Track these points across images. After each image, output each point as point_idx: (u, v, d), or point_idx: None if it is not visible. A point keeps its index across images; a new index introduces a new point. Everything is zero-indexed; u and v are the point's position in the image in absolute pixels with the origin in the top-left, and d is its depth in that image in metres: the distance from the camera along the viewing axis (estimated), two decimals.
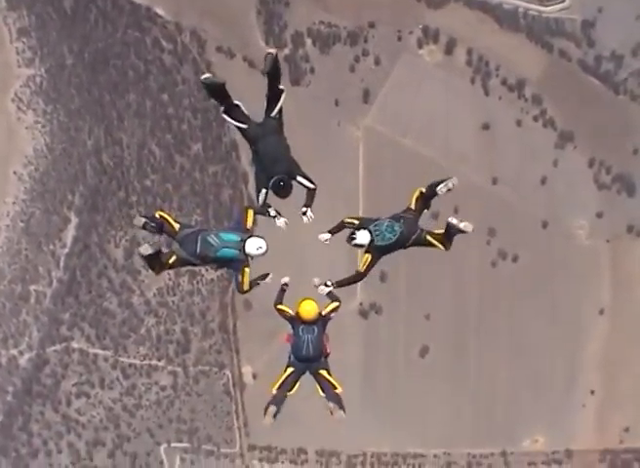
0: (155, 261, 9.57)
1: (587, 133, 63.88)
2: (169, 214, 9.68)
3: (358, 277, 9.56)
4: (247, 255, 9.62)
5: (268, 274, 10.52)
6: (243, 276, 9.74)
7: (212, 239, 9.41)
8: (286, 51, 63.65)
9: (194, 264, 9.68)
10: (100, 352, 62.95)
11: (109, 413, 63.32)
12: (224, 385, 62.83)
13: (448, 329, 62.37)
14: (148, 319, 62.67)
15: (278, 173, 9.38)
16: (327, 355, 9.81)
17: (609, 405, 62.24)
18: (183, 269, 62.53)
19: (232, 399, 62.77)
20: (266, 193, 9.75)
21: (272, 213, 10.02)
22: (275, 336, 62.58)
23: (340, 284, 9.84)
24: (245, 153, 62.76)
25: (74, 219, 63.42)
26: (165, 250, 9.76)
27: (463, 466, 63.06)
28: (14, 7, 66.76)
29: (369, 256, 9.37)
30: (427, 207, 10.26)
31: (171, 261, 9.59)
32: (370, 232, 9.52)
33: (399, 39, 64.09)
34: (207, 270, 63.08)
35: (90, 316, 62.99)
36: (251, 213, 9.84)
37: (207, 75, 9.79)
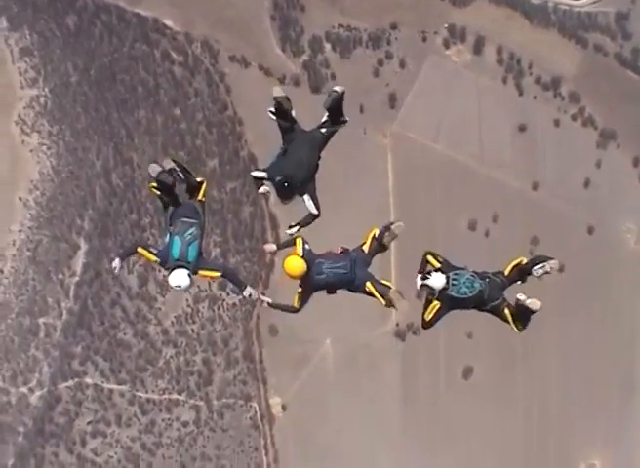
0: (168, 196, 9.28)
1: (630, 130, 60.21)
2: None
3: (424, 324, 8.70)
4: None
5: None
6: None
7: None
8: (304, 57, 60.30)
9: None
10: (115, 387, 58.85)
11: (128, 453, 58.83)
12: (252, 419, 58.59)
13: (492, 347, 57.78)
14: (166, 350, 58.45)
15: (293, 176, 9.07)
16: (347, 249, 8.86)
17: None
18: (202, 295, 58.27)
19: (261, 433, 58.38)
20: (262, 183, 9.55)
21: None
22: (304, 363, 58.19)
23: (425, 325, 8.80)
24: (264, 167, 58.67)
25: (84, 246, 59.46)
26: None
27: None
28: (15, 27, 63.49)
29: (438, 305, 8.57)
30: (522, 280, 9.32)
31: None
32: (447, 278, 8.60)
33: (424, 40, 60.71)
34: (228, 295, 58.78)
35: (103, 348, 58.79)
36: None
37: (279, 93, 9.46)
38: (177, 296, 58.35)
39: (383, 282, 8.81)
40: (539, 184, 59.05)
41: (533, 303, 8.61)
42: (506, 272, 9.15)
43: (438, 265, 8.95)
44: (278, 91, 9.53)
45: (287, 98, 9.43)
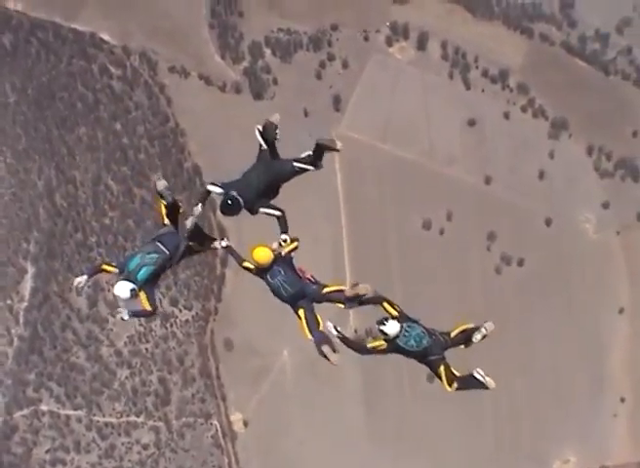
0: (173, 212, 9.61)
1: (581, 119, 59.21)
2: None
3: (362, 350, 9.21)
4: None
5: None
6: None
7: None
8: (245, 63, 59.13)
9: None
10: (71, 413, 57.14)
11: None
12: (213, 437, 56.84)
13: (454, 349, 55.92)
14: (121, 371, 56.82)
15: (237, 197, 9.18)
16: (313, 281, 9.24)
17: None
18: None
19: (223, 451, 56.72)
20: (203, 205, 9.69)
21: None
22: (263, 376, 56.58)
23: (344, 341, 9.13)
24: (210, 177, 57.09)
25: (31, 269, 57.84)
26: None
27: None
28: None
29: (383, 345, 9.00)
30: (465, 345, 9.41)
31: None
32: (401, 328, 8.92)
33: (366, 39, 59.71)
34: (180, 311, 57.15)
35: (57, 374, 57.15)
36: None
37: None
38: None
39: (319, 319, 9.08)
40: (492, 178, 57.89)
41: (489, 383, 8.99)
42: (452, 334, 9.46)
43: (396, 314, 9.21)
44: (276, 118, 9.54)
45: (276, 128, 9.54)
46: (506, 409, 57.48)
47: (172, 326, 56.98)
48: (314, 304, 9.17)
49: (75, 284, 9.18)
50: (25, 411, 57.11)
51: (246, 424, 56.93)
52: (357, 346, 9.22)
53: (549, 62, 60.26)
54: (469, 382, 9.18)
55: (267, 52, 58.65)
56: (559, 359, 57.00)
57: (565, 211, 57.92)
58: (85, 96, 59.37)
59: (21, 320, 57.87)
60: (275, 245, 9.25)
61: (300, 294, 9.01)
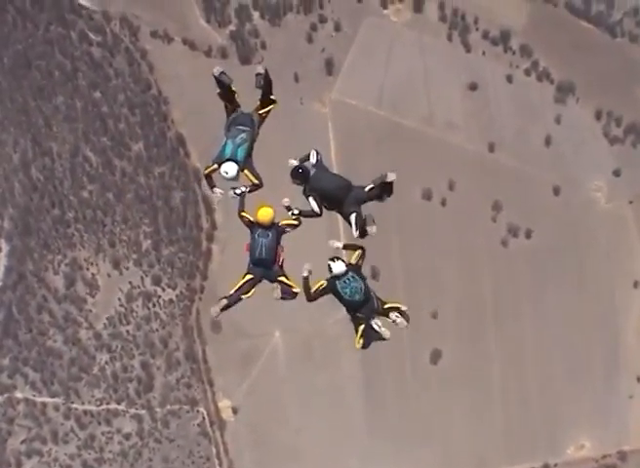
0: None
1: (588, 82, 55.88)
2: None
3: (309, 296, 10.04)
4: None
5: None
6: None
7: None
8: (231, 27, 55.83)
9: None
10: (48, 400, 53.70)
11: None
12: (200, 425, 53.36)
13: (460, 326, 53.03)
14: (101, 355, 53.41)
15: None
16: (281, 264, 10.30)
17: None
18: (135, 292, 52.97)
19: (211, 441, 53.03)
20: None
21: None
22: (253, 360, 52.70)
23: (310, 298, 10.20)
24: (194, 147, 53.88)
25: (5, 247, 54.49)
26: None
27: None
28: None
29: (324, 284, 9.89)
30: (386, 316, 10.14)
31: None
32: (346, 273, 9.81)
33: (359, 0, 56.15)
34: (163, 290, 53.39)
35: (33, 358, 53.70)
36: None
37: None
38: (107, 296, 53.02)
39: (291, 283, 10.13)
40: (495, 145, 54.41)
41: (384, 333, 9.71)
42: (385, 306, 10.07)
43: (353, 262, 10.05)
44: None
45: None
46: (516, 393, 53.95)
47: (154, 306, 53.33)
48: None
49: (216, 195, 10.46)
50: None
51: (235, 412, 53.36)
52: (307, 293, 9.85)
53: (553, 24, 56.95)
54: (370, 335, 9.82)
55: (255, 14, 55.45)
56: (571, 338, 53.49)
57: (574, 179, 54.43)
58: (63, 64, 56.02)
59: None
60: (286, 201, 10.14)
61: (267, 265, 9.90)
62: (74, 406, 53.30)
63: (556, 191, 54.16)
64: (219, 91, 10.30)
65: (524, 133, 54.92)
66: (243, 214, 10.25)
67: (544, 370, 53.29)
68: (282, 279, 10.14)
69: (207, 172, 10.27)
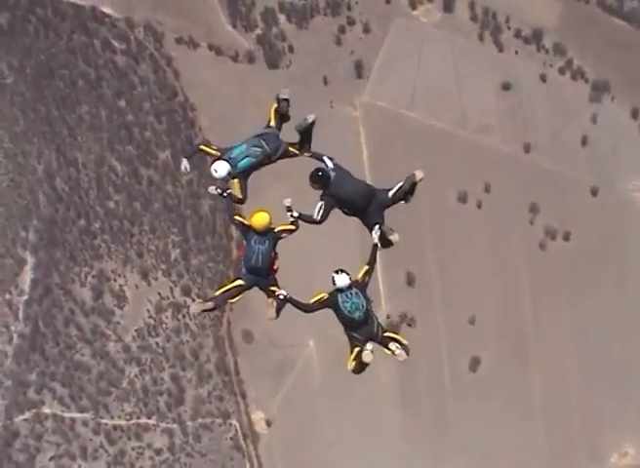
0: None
1: (624, 80, 54.97)
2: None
3: (306, 308, 9.13)
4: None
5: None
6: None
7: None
8: (257, 31, 55.07)
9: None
10: (77, 415, 53.21)
11: None
12: (233, 439, 52.61)
13: (498, 332, 51.82)
14: (130, 368, 52.85)
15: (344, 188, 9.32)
16: (275, 272, 9.53)
17: None
18: (165, 303, 51.92)
19: (244, 454, 52.34)
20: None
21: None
22: (287, 370, 51.42)
23: (291, 301, 9.24)
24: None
25: (30, 260, 53.88)
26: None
27: None
28: None
29: (325, 296, 9.12)
30: (385, 347, 9.35)
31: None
32: (349, 287, 9.19)
33: (388, 2, 55.61)
34: (193, 301, 52.26)
35: (60, 373, 53.29)
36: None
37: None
38: (136, 308, 52.01)
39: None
40: (531, 146, 53.47)
41: (366, 356, 8.83)
42: (385, 334, 9.18)
43: (359, 279, 9.45)
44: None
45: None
46: (556, 399, 52.80)
47: (184, 317, 52.59)
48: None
49: (182, 168, 9.62)
50: (27, 415, 53.88)
51: (269, 424, 52.47)
52: (302, 305, 9.34)
53: (585, 22, 56.06)
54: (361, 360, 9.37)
55: (282, 18, 54.80)
56: (612, 342, 52.28)
57: (612, 179, 53.32)
58: (86, 72, 55.70)
59: (21, 315, 54.31)
60: (288, 201, 9.48)
61: (262, 274, 9.40)
62: (103, 421, 52.76)
63: (594, 192, 53.02)
64: (276, 106, 9.48)
65: (560, 133, 53.87)
66: (236, 217, 9.51)
67: (585, 375, 52.06)
68: (274, 289, 9.41)
69: (203, 146, 9.38)
